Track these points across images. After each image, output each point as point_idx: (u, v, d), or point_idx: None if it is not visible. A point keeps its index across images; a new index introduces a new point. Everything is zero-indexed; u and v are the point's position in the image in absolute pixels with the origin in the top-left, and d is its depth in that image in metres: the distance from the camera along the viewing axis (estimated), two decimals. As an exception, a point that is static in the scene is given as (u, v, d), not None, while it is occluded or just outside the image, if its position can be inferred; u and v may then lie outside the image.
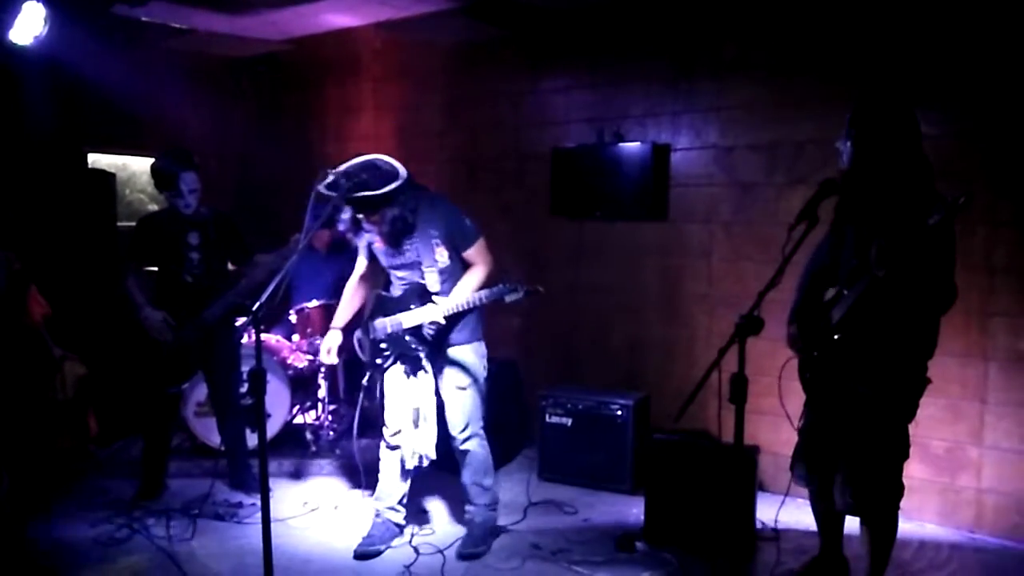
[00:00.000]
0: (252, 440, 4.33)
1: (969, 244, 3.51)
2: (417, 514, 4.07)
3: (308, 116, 6.33)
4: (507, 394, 4.89)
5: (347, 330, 3.78)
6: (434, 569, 3.47)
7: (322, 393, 4.91)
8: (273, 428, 4.70)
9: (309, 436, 4.88)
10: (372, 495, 3.84)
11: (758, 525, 3.69)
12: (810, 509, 3.27)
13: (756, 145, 4.36)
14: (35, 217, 4.76)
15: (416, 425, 3.54)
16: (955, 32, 3.73)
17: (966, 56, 3.70)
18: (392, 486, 3.72)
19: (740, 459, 3.49)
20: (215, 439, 4.42)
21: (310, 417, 5.01)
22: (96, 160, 5.70)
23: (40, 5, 4.20)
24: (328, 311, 4.92)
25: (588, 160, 4.82)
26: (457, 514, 3.95)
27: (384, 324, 3.55)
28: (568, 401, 4.51)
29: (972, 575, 3.50)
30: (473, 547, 3.61)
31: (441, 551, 3.62)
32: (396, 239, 3.42)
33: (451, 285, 3.45)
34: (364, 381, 3.77)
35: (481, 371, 3.62)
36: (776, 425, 4.05)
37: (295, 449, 4.86)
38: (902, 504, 2.94)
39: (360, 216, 3.41)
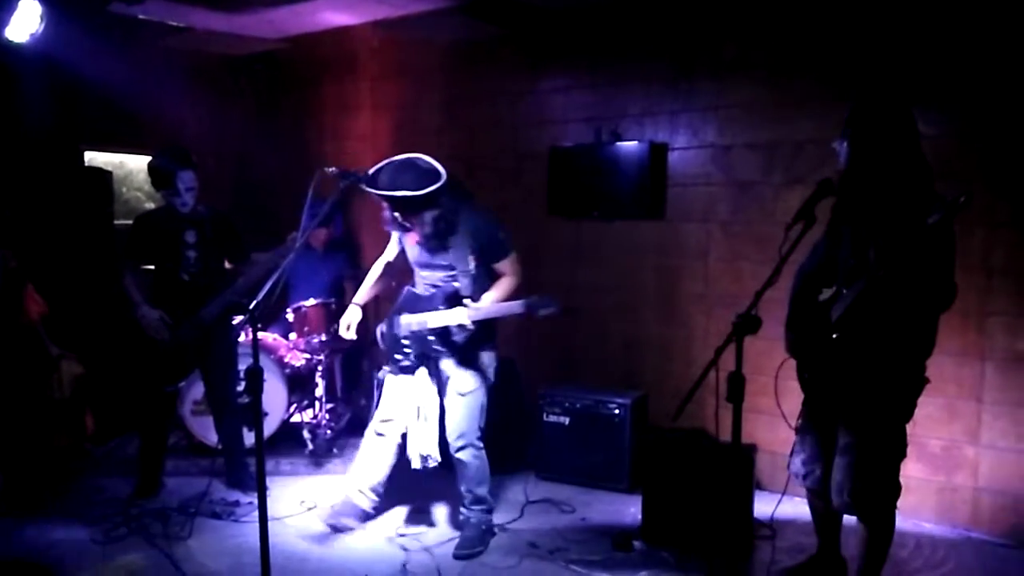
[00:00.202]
0: (249, 438, 4.33)
1: (967, 245, 3.51)
2: (414, 513, 4.07)
3: (306, 115, 6.33)
4: (505, 393, 4.88)
5: (366, 308, 3.84)
6: (430, 568, 3.47)
7: (319, 392, 4.91)
8: (270, 426, 4.70)
9: (306, 435, 4.88)
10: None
11: (755, 523, 3.69)
12: (807, 507, 3.28)
13: (754, 144, 4.36)
14: (32, 215, 4.75)
15: (416, 420, 3.55)
16: (954, 32, 3.73)
17: (965, 56, 3.71)
18: (365, 470, 3.74)
19: (737, 458, 3.50)
20: (212, 437, 4.42)
21: (307, 416, 5.01)
22: (93, 158, 5.69)
23: (36, 3, 4.19)
24: (325, 310, 4.92)
25: (586, 159, 4.82)
26: (454, 514, 3.95)
27: (409, 322, 3.56)
28: (566, 400, 4.51)
29: (969, 574, 3.50)
30: (469, 548, 3.61)
31: (428, 549, 3.63)
32: (437, 241, 3.43)
33: (477, 291, 3.45)
34: (380, 374, 3.81)
35: (487, 378, 3.62)
36: (773, 424, 4.03)
37: (292, 448, 4.85)
38: (899, 503, 2.95)
39: (397, 215, 3.42)
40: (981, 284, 3.74)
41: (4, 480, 3.98)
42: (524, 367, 4.87)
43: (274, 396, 4.68)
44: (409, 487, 4.30)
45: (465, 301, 3.40)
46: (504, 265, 3.52)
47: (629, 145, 4.66)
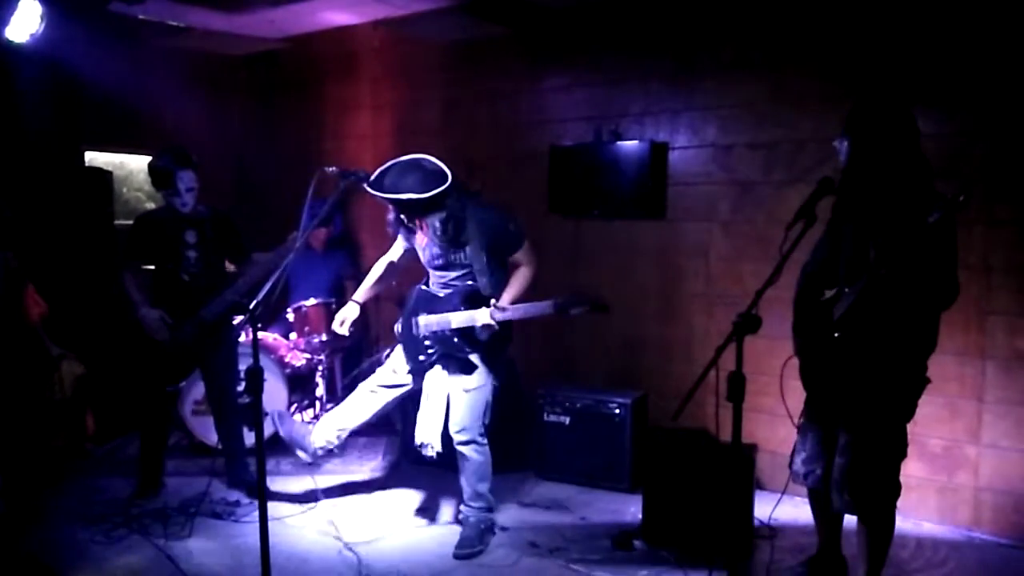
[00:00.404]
0: (249, 438, 4.33)
1: (967, 243, 3.50)
2: (416, 511, 4.07)
3: (306, 114, 6.32)
4: (505, 392, 4.88)
5: (364, 306, 3.85)
6: (431, 568, 3.47)
7: (320, 391, 4.91)
8: (270, 426, 4.70)
9: (307, 435, 4.87)
10: (368, 494, 3.84)
11: (756, 523, 3.69)
12: (808, 507, 3.27)
13: (755, 144, 4.35)
14: (32, 216, 4.75)
15: (425, 402, 3.54)
16: (954, 32, 3.72)
17: (965, 56, 3.70)
18: (340, 413, 3.78)
19: (738, 457, 3.50)
20: (212, 437, 4.42)
21: (308, 415, 5.01)
22: (93, 158, 5.69)
23: (36, 3, 4.19)
24: (325, 309, 4.92)
25: (586, 158, 4.81)
26: (455, 513, 3.94)
27: (430, 322, 3.54)
28: (566, 399, 4.51)
29: (970, 574, 3.49)
30: (469, 547, 3.60)
31: (428, 548, 3.62)
32: (450, 242, 3.42)
33: (495, 285, 3.45)
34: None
35: (495, 375, 3.62)
36: (774, 423, 4.07)
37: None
38: (899, 503, 2.94)
39: (403, 217, 3.40)
40: (981, 283, 3.73)
41: (4, 480, 3.98)
42: (524, 367, 4.86)
43: (274, 396, 4.67)
44: (409, 486, 4.31)
45: (492, 302, 3.38)
46: (519, 255, 3.52)
47: (630, 144, 4.66)
